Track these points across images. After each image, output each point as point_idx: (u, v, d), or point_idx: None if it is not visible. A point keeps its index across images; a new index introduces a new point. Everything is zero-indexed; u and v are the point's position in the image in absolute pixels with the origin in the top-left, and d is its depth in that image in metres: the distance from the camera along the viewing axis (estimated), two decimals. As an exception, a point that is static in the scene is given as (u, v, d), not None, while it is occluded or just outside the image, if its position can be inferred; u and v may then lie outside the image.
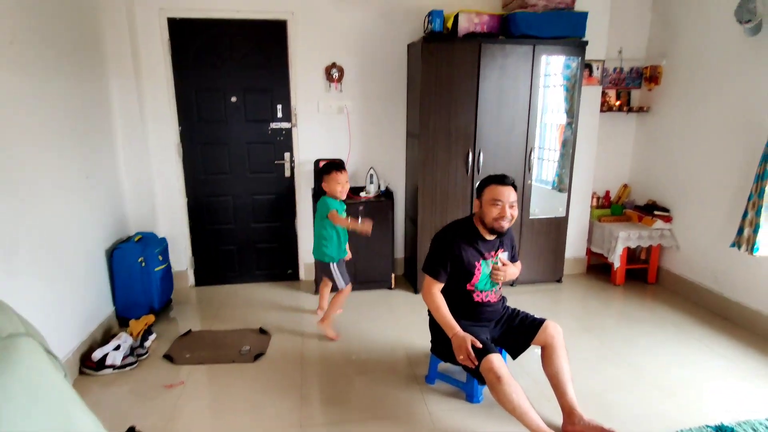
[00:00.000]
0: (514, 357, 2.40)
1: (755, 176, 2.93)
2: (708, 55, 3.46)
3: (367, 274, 3.77)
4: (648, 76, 4.02)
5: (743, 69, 3.17)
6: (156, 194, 3.66)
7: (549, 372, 2.26)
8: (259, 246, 3.97)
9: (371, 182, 3.78)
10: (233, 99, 3.67)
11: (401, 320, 3.32)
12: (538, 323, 2.33)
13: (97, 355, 2.65)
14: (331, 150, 3.85)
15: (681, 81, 3.74)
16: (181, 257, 3.85)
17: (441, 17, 3.36)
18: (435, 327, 2.39)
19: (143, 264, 3.14)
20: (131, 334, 2.89)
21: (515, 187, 2.22)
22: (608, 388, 2.55)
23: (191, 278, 3.94)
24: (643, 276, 4.06)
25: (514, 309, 2.46)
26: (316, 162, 3.68)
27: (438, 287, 2.29)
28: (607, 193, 4.34)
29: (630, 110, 4.07)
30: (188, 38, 3.52)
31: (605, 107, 4.03)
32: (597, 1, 3.67)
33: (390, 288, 3.85)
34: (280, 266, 4.04)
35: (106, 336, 2.96)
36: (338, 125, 3.84)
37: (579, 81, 3.63)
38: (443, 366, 2.57)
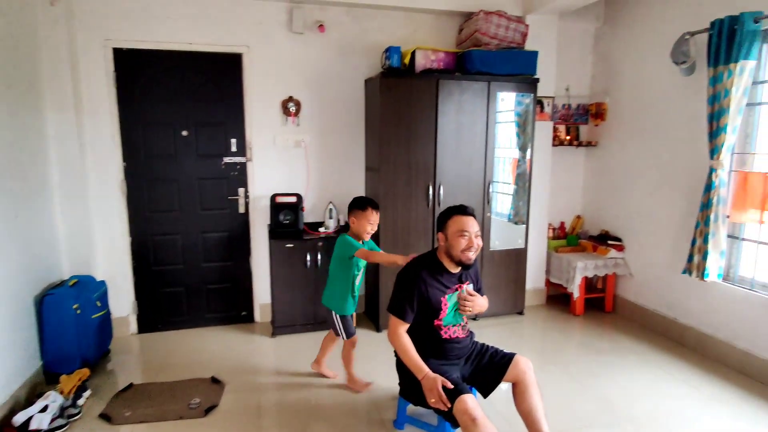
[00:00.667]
0: (485, 395, 2.30)
1: (700, 205, 3.08)
2: (648, 93, 3.69)
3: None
4: (594, 113, 4.22)
5: (681, 105, 3.38)
6: (95, 234, 3.36)
7: (522, 410, 2.17)
8: (210, 287, 3.72)
9: (330, 217, 3.67)
10: (184, 133, 3.50)
11: (364, 361, 3.15)
12: (508, 359, 2.26)
13: (19, 419, 2.31)
14: (289, 184, 3.73)
15: (624, 117, 3.95)
16: (123, 302, 3.52)
17: (398, 53, 3.40)
18: (403, 368, 2.26)
19: (78, 311, 2.83)
20: (62, 392, 2.55)
21: (475, 217, 2.19)
22: (581, 424, 2.49)
23: (133, 325, 3.61)
24: (600, 305, 4.13)
25: (483, 344, 2.38)
26: (273, 197, 3.54)
27: (404, 327, 2.17)
28: (562, 224, 4.44)
29: (579, 144, 4.25)
30: (136, 70, 3.36)
31: (557, 141, 4.18)
32: (544, 41, 3.86)
33: (351, 327, 3.69)
34: (233, 308, 3.79)
35: (31, 396, 2.60)
36: (296, 159, 3.74)
37: (532, 116, 3.75)
38: (412, 409, 2.43)
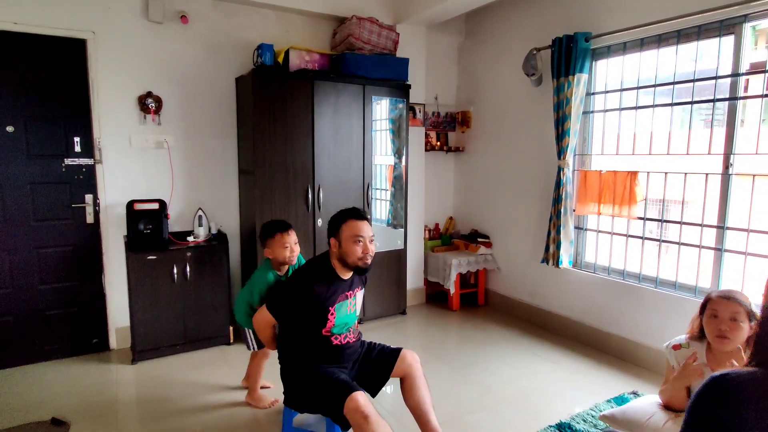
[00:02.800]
0: (373, 394, 2.24)
1: (552, 200, 3.46)
2: (505, 102, 4.07)
3: (200, 331, 3.26)
4: (460, 120, 4.54)
5: (533, 113, 3.79)
6: None
7: (411, 403, 2.16)
8: (50, 313, 3.12)
9: (200, 225, 3.35)
10: (9, 129, 2.92)
11: (239, 375, 2.90)
12: (395, 354, 2.24)
13: None
14: (149, 190, 3.32)
15: (486, 124, 4.31)
16: None
17: (272, 51, 3.26)
18: (287, 375, 2.12)
19: None
20: None
21: (369, 221, 2.14)
22: (464, 410, 2.58)
23: (-61, 369, 2.87)
24: (473, 299, 4.40)
25: (370, 342, 2.33)
26: (130, 204, 3.12)
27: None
28: (437, 225, 4.67)
29: (449, 150, 4.52)
30: (-63, 50, 2.72)
31: (428, 147, 4.39)
32: (414, 50, 4.04)
33: (229, 343, 3.38)
34: (81, 336, 3.23)
35: None
36: (157, 162, 3.35)
37: (406, 121, 3.88)
38: (299, 419, 2.29)
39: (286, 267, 2.55)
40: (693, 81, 2.82)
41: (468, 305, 4.34)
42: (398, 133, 3.93)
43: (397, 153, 3.95)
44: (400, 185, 3.97)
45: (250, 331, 2.59)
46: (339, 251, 2.04)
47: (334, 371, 2.06)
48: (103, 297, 3.27)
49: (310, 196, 3.46)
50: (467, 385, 2.86)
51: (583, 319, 3.49)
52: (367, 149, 3.70)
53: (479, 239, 4.29)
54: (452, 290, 4.13)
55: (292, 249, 2.48)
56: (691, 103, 2.86)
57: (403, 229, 3.97)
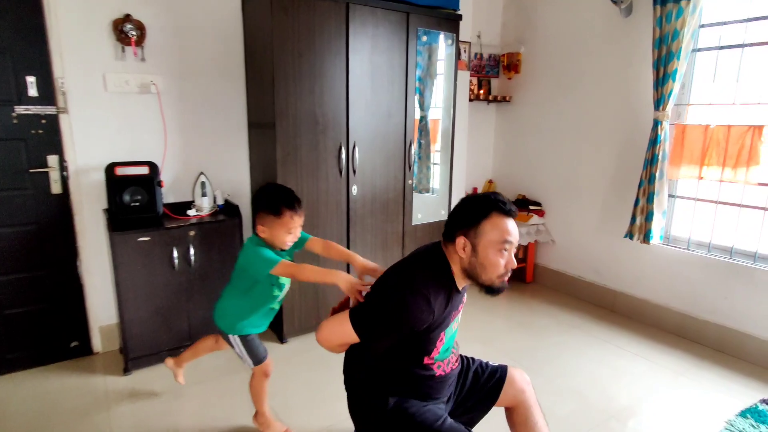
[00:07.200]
0: (470, 427, 1.65)
1: (644, 162, 2.81)
2: (572, 41, 3.33)
3: (209, 330, 2.51)
4: (506, 64, 3.78)
5: (615, 52, 3.07)
6: None
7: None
8: (10, 312, 2.37)
9: (203, 194, 2.60)
10: (-71, 62, 2.06)
11: (277, 392, 2.27)
12: (501, 376, 1.63)
13: None
14: (135, 149, 2.53)
15: (543, 68, 3.57)
16: None
17: (293, -40, 2.42)
18: (363, 412, 1.49)
19: None
20: None
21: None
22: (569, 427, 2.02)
23: None
24: (520, 276, 3.81)
25: (465, 359, 1.70)
26: (110, 168, 2.33)
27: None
28: (474, 190, 4.00)
29: (495, 99, 3.78)
30: None
31: (472, 96, 3.65)
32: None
33: (245, 342, 2.72)
34: (55, 339, 2.51)
35: None
36: (144, 112, 2.54)
37: (455, 63, 3.12)
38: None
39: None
40: None
41: (513, 282, 3.76)
42: (446, 78, 3.17)
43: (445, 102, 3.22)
44: (427, 141, 3.27)
45: (238, 340, 1.91)
46: (470, 259, 1.34)
47: (437, 412, 1.43)
48: (81, 289, 2.53)
49: (343, 156, 2.73)
50: (556, 393, 2.29)
51: (669, 303, 2.94)
52: (410, 97, 2.95)
53: (531, 207, 3.66)
54: (501, 267, 3.52)
55: (296, 233, 1.83)
56: None
57: (447, 197, 3.30)
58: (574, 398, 2.25)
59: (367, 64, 2.72)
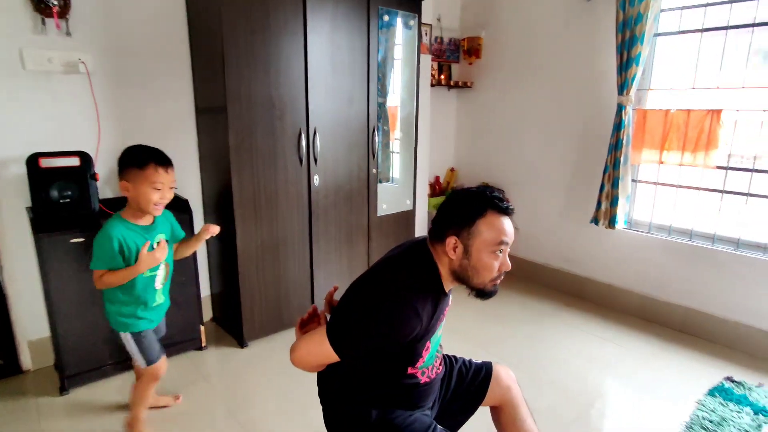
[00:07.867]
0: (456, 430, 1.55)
1: (609, 147, 2.81)
2: (534, 25, 3.27)
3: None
4: (466, 49, 3.69)
5: (577, 37, 3.04)
6: None
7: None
8: None
9: (147, 188, 2.33)
10: None
11: (229, 397, 2.07)
12: (487, 374, 1.53)
13: None
14: (63, 137, 2.22)
15: (504, 53, 3.50)
16: None
17: (243, -75, 2.18)
18: (340, 425, 1.33)
19: None
20: None
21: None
22: (560, 423, 1.96)
23: None
24: (484, 265, 3.76)
25: (448, 358, 1.58)
26: (32, 159, 2.01)
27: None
28: (437, 178, 3.91)
29: (455, 85, 3.68)
30: None
31: (433, 81, 3.53)
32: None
33: (200, 348, 2.49)
34: (-27, 358, 2.17)
35: None
36: (72, 95, 2.22)
37: (418, 46, 2.98)
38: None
39: (148, 218, 1.75)
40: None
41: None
42: (407, 62, 3.03)
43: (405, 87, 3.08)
44: (386, 129, 3.13)
45: (130, 337, 1.76)
46: (461, 261, 1.19)
47: (425, 420, 1.31)
48: (3, 299, 2.20)
49: (303, 143, 2.53)
50: (534, 384, 2.24)
51: (634, 287, 2.97)
52: (373, 81, 2.78)
53: (494, 195, 3.60)
54: (467, 257, 3.45)
55: (164, 194, 1.70)
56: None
57: (411, 186, 3.18)
58: (553, 389, 2.21)
59: (327, 44, 2.52)
